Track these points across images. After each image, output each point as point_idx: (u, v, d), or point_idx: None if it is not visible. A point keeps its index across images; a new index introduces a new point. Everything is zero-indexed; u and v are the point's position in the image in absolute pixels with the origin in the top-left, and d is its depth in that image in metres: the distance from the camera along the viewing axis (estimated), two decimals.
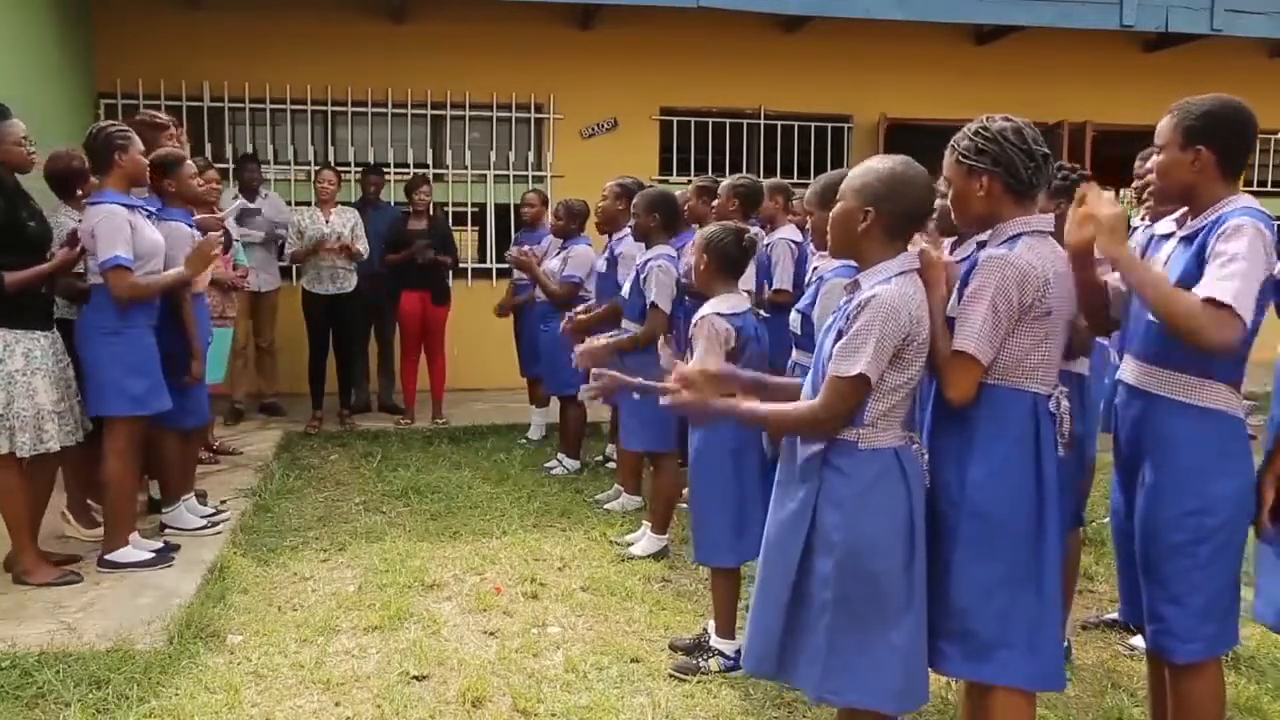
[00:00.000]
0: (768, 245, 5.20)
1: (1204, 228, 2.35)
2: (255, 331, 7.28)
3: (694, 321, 3.45)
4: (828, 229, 2.45)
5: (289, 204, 7.48)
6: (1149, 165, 2.53)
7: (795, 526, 2.34)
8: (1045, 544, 2.28)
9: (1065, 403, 2.32)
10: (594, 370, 2.87)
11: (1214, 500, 2.33)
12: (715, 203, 4.93)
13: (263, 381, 7.43)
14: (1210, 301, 2.18)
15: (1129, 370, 2.50)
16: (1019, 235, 2.28)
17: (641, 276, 4.66)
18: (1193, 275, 2.30)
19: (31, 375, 3.86)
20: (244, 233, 6.93)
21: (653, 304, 4.55)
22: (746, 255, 3.47)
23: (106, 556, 4.12)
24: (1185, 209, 2.46)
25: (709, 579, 3.63)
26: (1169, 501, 2.37)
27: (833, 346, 2.28)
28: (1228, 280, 2.19)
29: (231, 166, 8.10)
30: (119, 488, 4.16)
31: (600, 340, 4.31)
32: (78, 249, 4.05)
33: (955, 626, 2.32)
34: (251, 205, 7.10)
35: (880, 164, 2.33)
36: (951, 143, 2.37)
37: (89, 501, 4.67)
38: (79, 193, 4.36)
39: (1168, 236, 2.51)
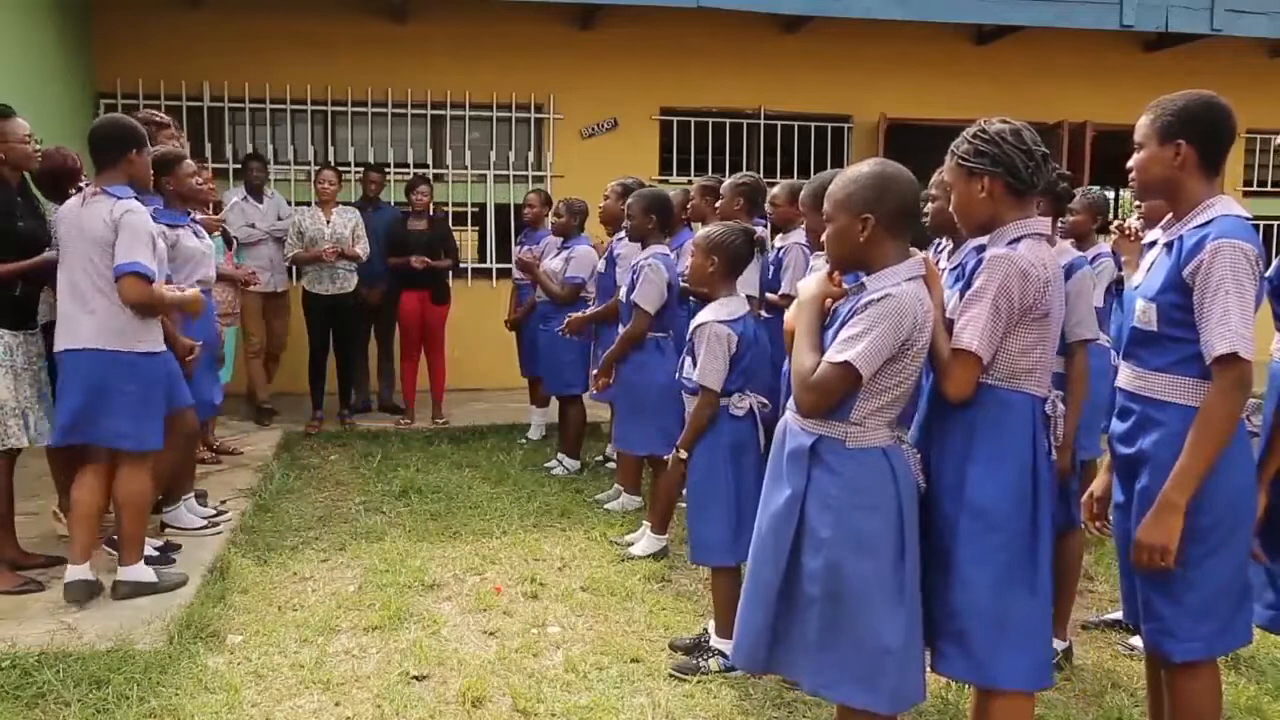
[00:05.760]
0: (779, 249, 5.18)
1: (1185, 234, 2.33)
2: (269, 331, 7.19)
3: (692, 326, 3.45)
4: (825, 246, 2.41)
5: (290, 204, 7.46)
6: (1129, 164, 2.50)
7: (784, 522, 2.35)
8: (1040, 544, 2.32)
9: (1061, 406, 2.40)
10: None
11: (1206, 499, 2.31)
12: (719, 203, 4.94)
13: (257, 383, 7.34)
14: (1220, 360, 2.22)
15: (1124, 374, 2.51)
16: (1021, 238, 2.30)
17: (635, 277, 4.66)
18: (1174, 284, 2.31)
19: None
20: (248, 232, 6.93)
21: (634, 303, 4.55)
22: (753, 255, 3.48)
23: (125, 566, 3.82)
24: (1170, 216, 2.45)
25: (709, 579, 3.63)
26: None
27: (833, 337, 2.28)
28: (1223, 324, 2.21)
29: (232, 166, 8.11)
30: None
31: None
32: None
33: (954, 626, 2.33)
34: (259, 205, 7.10)
35: (859, 172, 2.33)
36: (951, 148, 2.38)
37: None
38: (70, 191, 4.28)
39: (1154, 244, 2.51)
